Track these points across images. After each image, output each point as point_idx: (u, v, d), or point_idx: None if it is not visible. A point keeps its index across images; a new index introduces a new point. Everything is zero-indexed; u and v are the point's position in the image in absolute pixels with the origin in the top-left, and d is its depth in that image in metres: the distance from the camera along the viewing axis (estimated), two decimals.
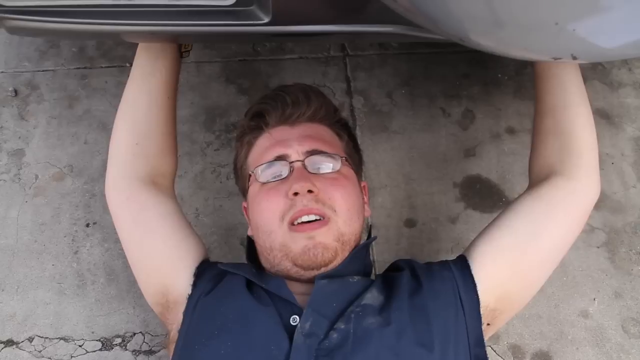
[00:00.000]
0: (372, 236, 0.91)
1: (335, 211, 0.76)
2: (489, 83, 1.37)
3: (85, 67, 1.39)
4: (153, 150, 0.88)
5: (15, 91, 1.35)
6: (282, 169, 0.79)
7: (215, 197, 1.21)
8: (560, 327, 1.08)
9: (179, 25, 0.69)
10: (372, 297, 0.74)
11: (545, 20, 0.47)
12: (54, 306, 1.09)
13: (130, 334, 1.06)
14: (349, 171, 0.83)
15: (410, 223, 1.19)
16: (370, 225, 1.11)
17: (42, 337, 1.06)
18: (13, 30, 0.76)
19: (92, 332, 1.06)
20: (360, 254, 0.81)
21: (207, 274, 0.82)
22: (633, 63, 1.42)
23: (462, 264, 0.80)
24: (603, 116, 1.33)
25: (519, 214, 0.82)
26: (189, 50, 0.95)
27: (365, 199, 0.89)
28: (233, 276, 0.79)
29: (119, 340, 1.06)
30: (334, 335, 0.68)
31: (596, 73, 1.39)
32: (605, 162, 1.26)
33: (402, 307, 0.72)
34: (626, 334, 1.07)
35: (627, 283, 1.12)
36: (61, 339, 1.06)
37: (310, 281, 0.75)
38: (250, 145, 0.87)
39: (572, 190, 0.82)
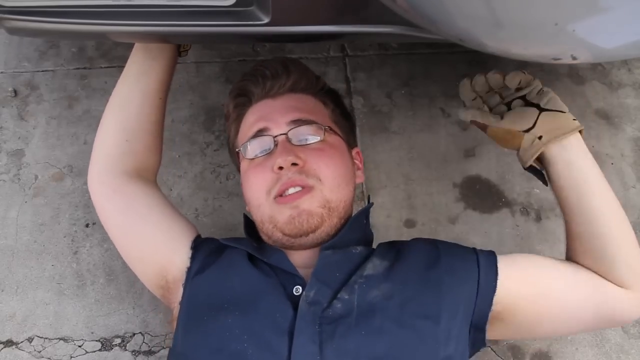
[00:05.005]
0: (369, 202, 0.92)
1: (320, 180, 0.77)
2: None
3: (85, 68, 1.39)
4: (141, 148, 0.88)
5: (15, 91, 1.35)
6: (267, 143, 0.80)
7: (215, 197, 1.21)
8: None
9: (179, 25, 0.69)
10: (373, 266, 0.76)
11: (545, 20, 0.47)
12: (53, 306, 1.09)
13: (129, 334, 1.06)
14: (335, 139, 0.84)
15: (409, 223, 1.19)
16: (369, 195, 1.11)
17: (41, 337, 1.05)
18: (13, 31, 0.76)
19: (92, 333, 1.06)
20: (359, 222, 0.83)
21: (204, 247, 0.83)
22: (633, 63, 1.42)
23: (490, 254, 0.81)
24: (603, 116, 1.33)
25: (562, 274, 0.81)
26: (187, 50, 0.95)
27: (359, 165, 0.90)
28: (234, 250, 0.81)
29: (118, 340, 1.06)
30: (338, 305, 0.70)
31: (596, 73, 1.39)
32: (605, 162, 1.26)
33: (412, 277, 0.74)
34: (626, 334, 1.07)
35: None
36: (61, 339, 1.05)
37: (307, 249, 0.78)
38: (237, 123, 0.89)
39: (621, 300, 0.78)
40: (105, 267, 1.13)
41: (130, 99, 0.86)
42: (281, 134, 0.79)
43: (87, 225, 1.17)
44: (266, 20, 0.66)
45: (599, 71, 1.40)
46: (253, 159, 0.81)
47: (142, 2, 0.67)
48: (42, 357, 1.04)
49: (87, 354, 1.04)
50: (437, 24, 0.58)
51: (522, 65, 1.39)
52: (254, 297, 0.72)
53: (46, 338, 1.06)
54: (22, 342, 1.05)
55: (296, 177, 0.76)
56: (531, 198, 1.22)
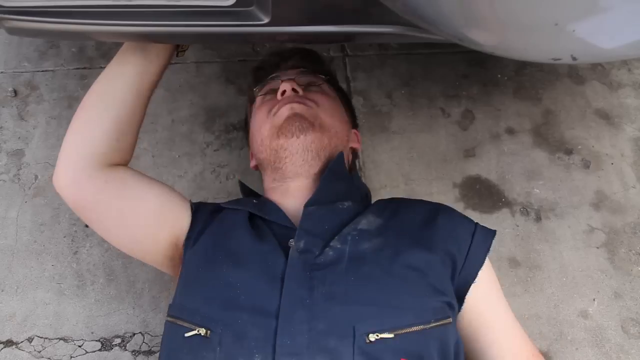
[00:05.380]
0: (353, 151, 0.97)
1: (317, 105, 0.87)
2: (488, 83, 1.37)
3: (84, 68, 1.39)
4: (127, 146, 0.87)
5: (15, 91, 1.35)
6: (277, 83, 0.92)
7: (215, 197, 1.21)
8: (560, 328, 1.08)
9: (179, 25, 0.69)
10: (368, 222, 0.78)
11: (545, 20, 0.47)
12: (53, 306, 1.09)
13: (129, 334, 1.06)
14: (334, 93, 0.96)
15: None
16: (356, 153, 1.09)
17: (41, 337, 1.05)
18: (13, 31, 0.76)
19: (92, 333, 1.06)
20: (340, 173, 0.85)
21: (202, 209, 0.86)
22: (633, 63, 1.42)
23: (489, 231, 0.83)
24: (603, 116, 1.33)
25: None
26: (185, 50, 0.94)
27: (358, 146, 0.98)
28: (232, 212, 0.84)
29: (118, 340, 1.06)
30: (330, 252, 0.73)
31: (596, 73, 1.39)
32: (605, 162, 1.26)
33: (406, 234, 0.77)
34: (626, 335, 1.07)
35: (626, 283, 1.12)
36: (61, 339, 1.05)
37: (302, 181, 0.85)
38: (254, 95, 0.98)
39: None
40: (105, 267, 1.13)
41: (124, 100, 0.83)
42: (288, 78, 0.91)
43: (87, 225, 1.17)
44: (266, 20, 0.66)
45: (599, 71, 1.40)
46: (264, 95, 0.93)
47: (142, 2, 0.67)
48: (42, 357, 1.04)
49: (87, 354, 1.04)
50: (437, 24, 0.58)
51: (522, 65, 1.39)
52: (248, 250, 0.75)
53: (46, 338, 1.06)
54: (22, 342, 1.05)
55: (296, 98, 0.86)
56: (531, 198, 1.22)
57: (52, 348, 1.04)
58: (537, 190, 1.23)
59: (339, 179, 0.84)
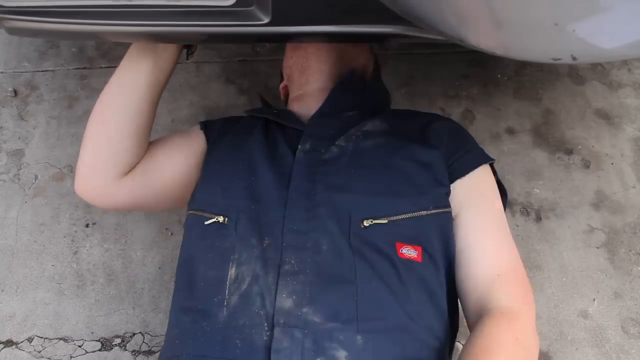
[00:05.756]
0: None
1: None
2: (488, 83, 1.37)
3: (84, 68, 1.39)
4: (145, 145, 0.87)
5: (15, 91, 1.35)
6: None
7: None
8: (560, 328, 1.08)
9: (179, 25, 0.69)
10: (374, 125, 0.83)
11: (545, 20, 0.47)
12: (53, 306, 1.09)
13: (129, 334, 1.06)
14: None
15: None
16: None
17: (41, 337, 1.05)
18: (13, 31, 0.76)
19: (92, 333, 1.06)
20: (349, 85, 0.89)
21: (211, 125, 0.91)
22: (633, 63, 1.42)
23: (488, 159, 0.85)
24: (603, 116, 1.33)
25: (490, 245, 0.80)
26: (193, 53, 0.93)
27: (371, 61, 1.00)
28: (248, 120, 0.90)
29: (118, 340, 1.06)
30: (335, 149, 0.79)
31: (596, 73, 1.39)
32: (605, 162, 1.26)
33: (410, 131, 0.82)
34: (626, 335, 1.07)
35: (626, 283, 1.12)
36: (61, 339, 1.05)
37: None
38: None
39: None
40: (105, 267, 1.13)
41: (141, 110, 0.83)
42: None
43: (87, 226, 1.17)
44: (266, 20, 0.66)
45: (599, 71, 1.40)
46: None
47: (142, 2, 0.67)
48: (42, 357, 1.04)
49: (87, 354, 1.04)
50: (437, 24, 0.58)
51: (522, 65, 1.39)
52: (262, 151, 0.81)
53: (46, 338, 1.06)
54: (22, 342, 1.05)
55: None
56: (531, 198, 1.22)
57: (52, 348, 1.04)
58: (537, 190, 1.23)
59: (348, 92, 0.89)
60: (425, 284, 0.71)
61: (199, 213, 0.78)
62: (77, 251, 1.15)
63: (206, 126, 0.91)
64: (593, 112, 1.34)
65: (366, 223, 0.71)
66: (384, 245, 0.70)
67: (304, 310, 0.66)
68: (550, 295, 1.11)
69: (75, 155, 1.27)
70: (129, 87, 0.82)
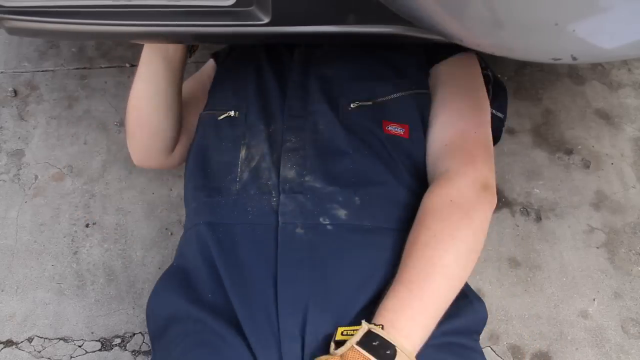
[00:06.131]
0: None
1: None
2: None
3: (84, 68, 1.39)
4: (180, 121, 0.98)
5: (15, 91, 1.35)
6: None
7: None
8: (560, 328, 1.08)
9: (179, 25, 0.69)
10: None
11: (545, 20, 0.47)
12: (53, 306, 1.09)
13: (129, 334, 1.06)
14: None
15: None
16: None
17: (41, 337, 1.05)
18: (13, 31, 0.76)
19: (92, 333, 1.06)
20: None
21: (220, 52, 1.04)
22: (633, 63, 1.42)
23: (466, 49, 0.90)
24: (603, 116, 1.33)
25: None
26: (194, 51, 0.95)
27: None
28: (248, 56, 0.97)
29: (118, 340, 1.06)
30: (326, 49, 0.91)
31: (596, 73, 1.39)
32: (605, 162, 1.26)
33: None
34: (626, 335, 1.07)
35: (626, 283, 1.12)
36: (61, 339, 1.05)
37: None
38: None
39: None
40: (105, 267, 1.13)
41: (173, 102, 0.91)
42: None
43: (87, 226, 1.17)
44: (266, 20, 0.66)
45: (599, 71, 1.40)
46: None
47: (142, 2, 0.67)
48: (42, 357, 1.04)
49: (87, 354, 1.04)
50: (437, 24, 0.58)
51: (522, 65, 1.39)
52: (265, 54, 0.92)
53: (46, 338, 1.06)
54: (22, 342, 1.05)
55: None
56: (531, 198, 1.22)
57: (52, 348, 1.04)
58: (537, 190, 1.23)
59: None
60: (412, 159, 0.79)
61: (212, 112, 0.88)
62: (77, 251, 1.15)
63: (216, 54, 1.05)
64: (593, 112, 1.34)
65: (353, 105, 0.81)
66: (370, 124, 0.79)
67: (306, 178, 0.75)
68: (550, 295, 1.11)
69: (76, 155, 1.28)
70: (152, 92, 0.90)
